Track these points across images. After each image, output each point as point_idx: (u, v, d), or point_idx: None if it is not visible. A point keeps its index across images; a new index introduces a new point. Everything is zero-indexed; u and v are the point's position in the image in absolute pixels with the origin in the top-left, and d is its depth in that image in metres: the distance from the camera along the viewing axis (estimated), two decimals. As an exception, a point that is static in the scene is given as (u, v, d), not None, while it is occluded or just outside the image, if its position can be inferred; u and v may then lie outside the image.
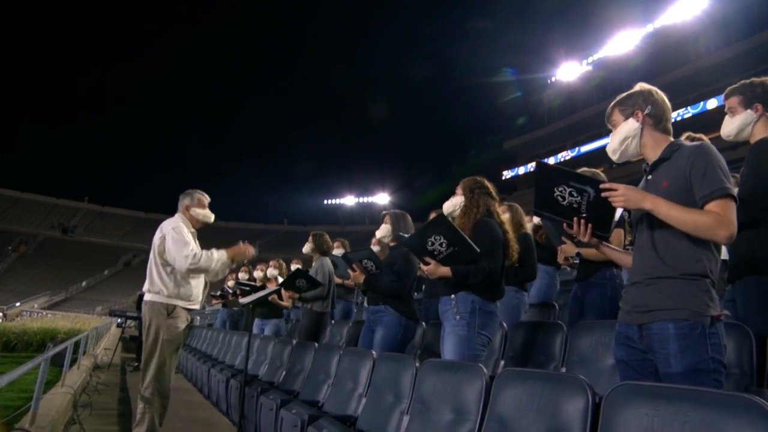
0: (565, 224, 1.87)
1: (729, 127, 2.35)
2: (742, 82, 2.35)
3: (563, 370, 2.64)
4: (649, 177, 1.83)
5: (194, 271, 3.50)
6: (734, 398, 1.25)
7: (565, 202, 1.80)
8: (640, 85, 1.89)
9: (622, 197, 1.68)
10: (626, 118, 1.86)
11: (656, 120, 1.82)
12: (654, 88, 1.86)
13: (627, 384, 1.50)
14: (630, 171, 24.61)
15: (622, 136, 1.86)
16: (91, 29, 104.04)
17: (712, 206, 1.61)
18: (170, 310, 3.52)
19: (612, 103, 1.93)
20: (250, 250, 3.71)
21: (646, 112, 1.82)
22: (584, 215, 1.80)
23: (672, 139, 1.83)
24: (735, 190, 1.65)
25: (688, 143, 1.78)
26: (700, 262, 1.64)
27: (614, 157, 1.92)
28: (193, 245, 3.54)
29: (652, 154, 1.83)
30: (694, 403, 1.28)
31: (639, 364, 1.74)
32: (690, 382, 1.54)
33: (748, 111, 2.29)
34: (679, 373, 1.58)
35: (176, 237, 3.50)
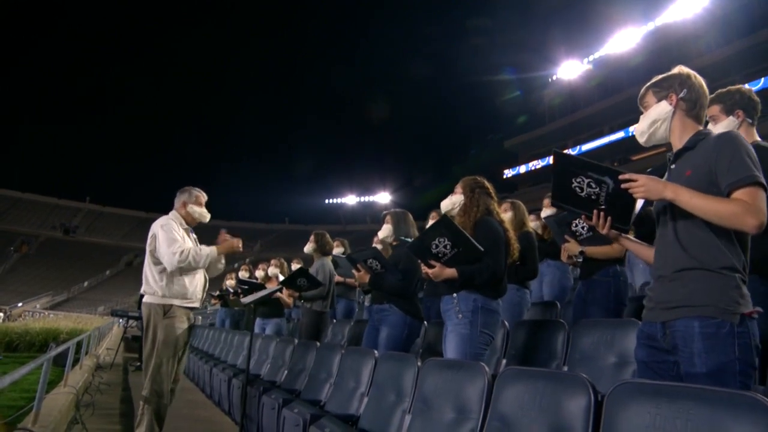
0: (583, 215, 1.82)
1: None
2: (719, 91, 2.36)
3: (565, 368, 2.64)
4: (672, 166, 1.77)
5: (184, 268, 3.49)
6: (737, 396, 1.24)
7: (583, 194, 1.74)
8: (679, 68, 1.82)
9: (643, 188, 1.62)
10: (659, 101, 1.79)
11: (690, 105, 1.76)
12: (693, 72, 1.79)
13: (629, 382, 1.49)
14: (634, 168, 24.54)
15: (652, 119, 1.80)
16: (91, 29, 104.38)
17: (739, 194, 1.53)
18: (166, 310, 3.50)
19: (647, 85, 1.86)
20: (239, 244, 3.73)
21: (681, 95, 1.75)
22: (603, 207, 1.74)
23: (701, 127, 1.77)
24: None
25: (713, 132, 1.72)
26: (727, 255, 1.56)
27: (642, 140, 1.86)
28: (182, 242, 3.52)
29: (679, 142, 1.76)
30: (697, 401, 1.28)
31: (659, 366, 1.66)
32: (714, 383, 1.45)
33: (731, 118, 2.31)
34: (703, 373, 1.50)
35: (165, 235, 3.50)
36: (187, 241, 3.62)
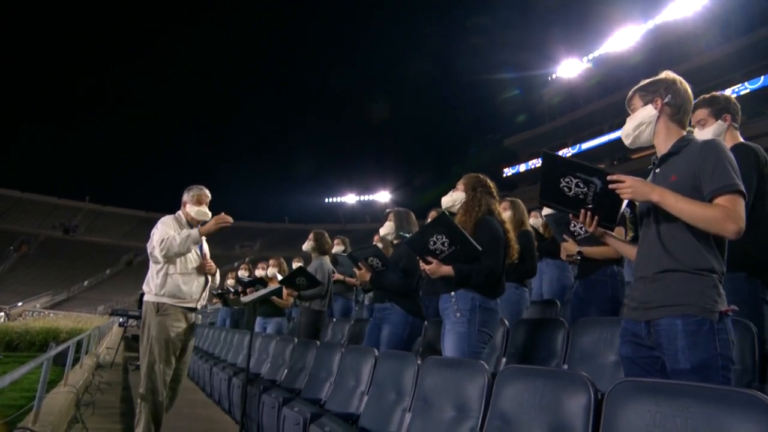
0: (571, 214, 1.86)
1: (703, 138, 2.41)
2: (703, 96, 2.43)
3: (565, 367, 2.64)
4: (657, 170, 1.83)
5: (168, 255, 3.49)
6: (736, 394, 1.25)
7: (571, 193, 1.79)
8: (666, 73, 1.87)
9: (630, 189, 1.68)
10: (645, 104, 1.85)
11: (674, 110, 1.81)
12: (679, 78, 1.85)
13: (629, 380, 1.50)
14: (634, 167, 24.57)
15: (637, 122, 1.86)
16: (91, 29, 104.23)
17: (720, 200, 1.60)
18: (159, 308, 3.54)
19: (634, 88, 1.92)
20: (225, 217, 3.62)
21: (666, 100, 1.81)
22: (590, 206, 1.79)
23: (685, 132, 1.82)
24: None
25: (698, 138, 1.78)
26: (706, 257, 1.63)
27: (627, 142, 1.92)
28: (167, 232, 3.54)
29: (663, 146, 1.82)
30: (696, 399, 1.28)
31: (645, 362, 1.71)
32: (698, 378, 1.52)
33: (719, 122, 2.39)
34: (687, 369, 1.56)
35: (156, 231, 3.57)
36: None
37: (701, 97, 2.42)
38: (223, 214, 3.63)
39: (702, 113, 2.41)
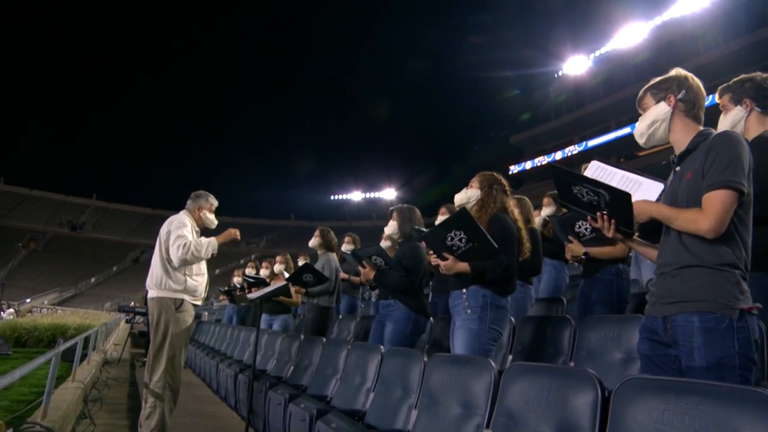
0: (589, 218, 1.84)
1: (721, 126, 2.33)
2: (734, 79, 2.34)
3: (572, 364, 2.63)
4: (677, 168, 1.79)
5: (188, 261, 3.59)
6: (745, 392, 1.24)
7: (585, 199, 1.78)
8: (676, 70, 1.84)
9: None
10: (658, 102, 1.82)
11: (688, 106, 1.78)
12: (690, 75, 1.81)
13: (636, 378, 1.49)
14: (641, 164, 24.41)
15: (651, 120, 1.82)
16: (97, 28, 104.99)
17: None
18: (178, 305, 3.61)
19: (645, 87, 1.88)
20: (236, 232, 3.92)
21: (679, 96, 1.78)
22: (605, 212, 1.77)
23: (701, 128, 1.78)
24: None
25: (713, 132, 1.74)
26: (728, 253, 1.58)
27: (641, 141, 1.88)
28: (186, 237, 3.63)
29: (681, 143, 1.78)
30: (705, 396, 1.28)
31: (661, 360, 1.68)
32: (713, 377, 1.48)
33: (738, 107, 2.29)
34: (702, 367, 1.52)
35: (175, 232, 3.63)
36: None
37: (733, 80, 2.33)
38: (236, 229, 3.93)
39: (725, 99, 2.32)
